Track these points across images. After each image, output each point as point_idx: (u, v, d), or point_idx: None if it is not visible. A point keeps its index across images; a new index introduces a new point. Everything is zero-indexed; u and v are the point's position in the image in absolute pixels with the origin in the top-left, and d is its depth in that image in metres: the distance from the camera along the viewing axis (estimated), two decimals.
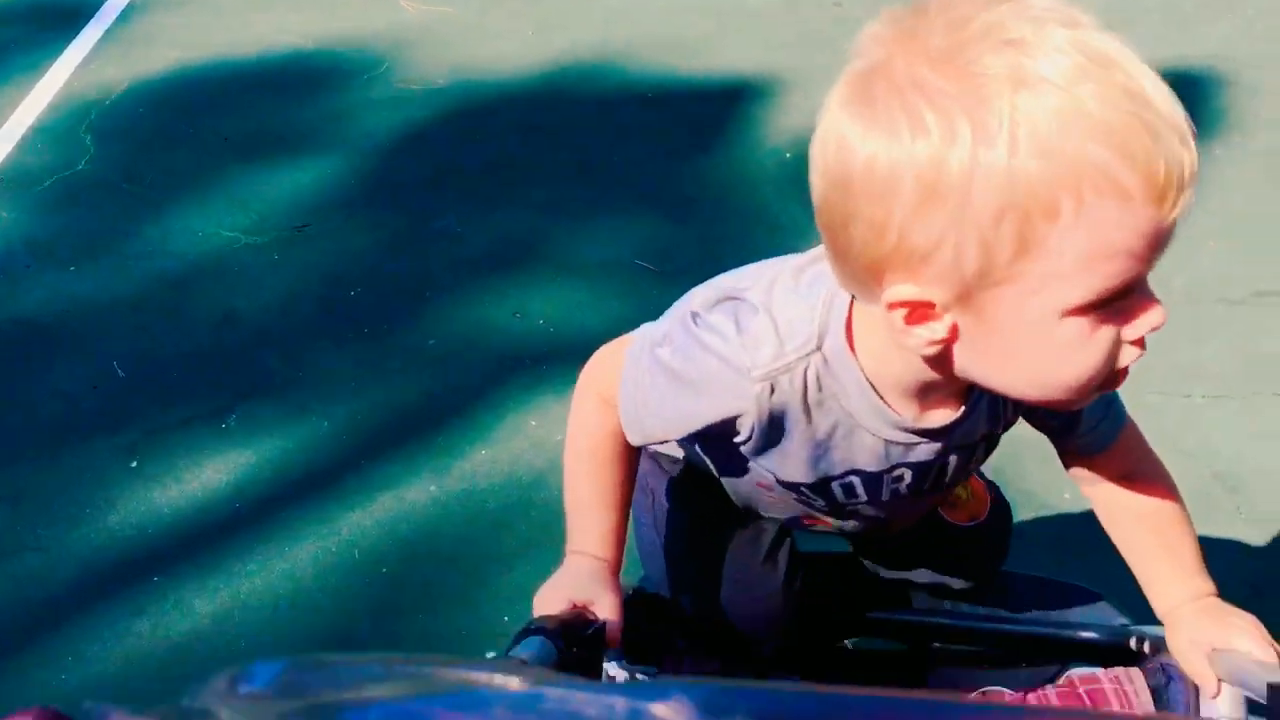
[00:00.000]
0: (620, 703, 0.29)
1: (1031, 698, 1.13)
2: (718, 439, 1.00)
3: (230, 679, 0.28)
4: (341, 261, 2.78)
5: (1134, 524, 1.12)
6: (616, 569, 1.05)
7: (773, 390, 0.92)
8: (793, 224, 2.89)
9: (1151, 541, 1.11)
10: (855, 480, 1.03)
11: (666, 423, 1.00)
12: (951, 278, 0.76)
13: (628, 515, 1.08)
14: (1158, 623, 1.13)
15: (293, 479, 2.20)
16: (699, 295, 1.02)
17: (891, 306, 0.80)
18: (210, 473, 2.22)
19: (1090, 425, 1.06)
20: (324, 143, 3.22)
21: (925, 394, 0.93)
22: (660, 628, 1.20)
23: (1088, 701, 1.11)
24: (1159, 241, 0.75)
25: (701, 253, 2.78)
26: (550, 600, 0.98)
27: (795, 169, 3.11)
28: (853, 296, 0.88)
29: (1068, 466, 1.14)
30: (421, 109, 3.36)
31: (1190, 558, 1.10)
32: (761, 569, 1.21)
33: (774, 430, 0.96)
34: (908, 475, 1.02)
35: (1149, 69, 0.73)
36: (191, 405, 2.37)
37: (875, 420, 0.94)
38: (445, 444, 2.28)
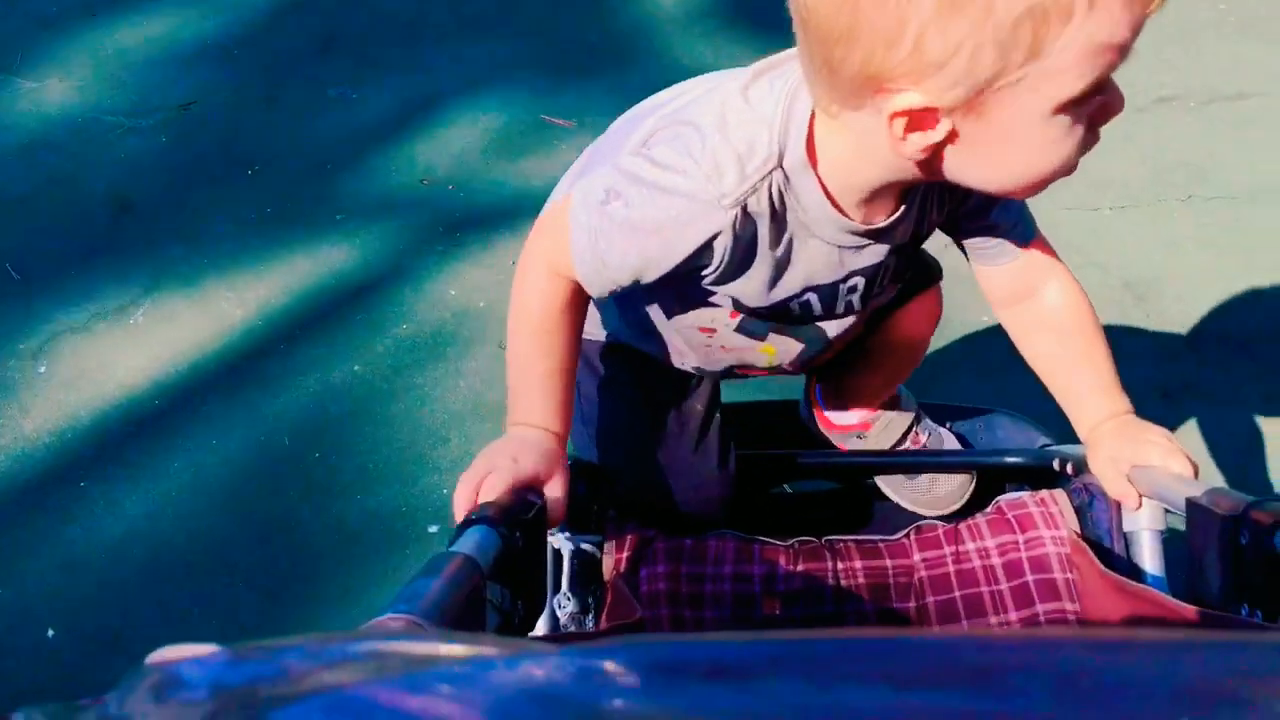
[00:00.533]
0: (571, 664, 0.29)
1: (962, 528, 1.17)
2: (680, 276, 1.00)
3: (155, 685, 0.27)
4: (234, 138, 2.66)
5: (1050, 343, 1.14)
6: (564, 442, 1.05)
7: (744, 212, 0.93)
8: (699, 62, 2.82)
9: (1067, 361, 1.13)
10: (812, 297, 1.06)
11: (636, 270, 0.99)
12: (964, 83, 0.78)
13: (574, 387, 1.08)
14: (1078, 442, 1.17)
15: (211, 370, 2.16)
16: (631, 134, 1.02)
17: (894, 116, 0.82)
18: (124, 371, 2.16)
19: (1005, 229, 1.08)
20: (203, 12, 3.04)
21: (873, 199, 0.96)
22: (599, 498, 1.20)
23: (1016, 526, 1.15)
24: (1138, 33, 0.79)
25: (608, 103, 2.70)
26: (499, 466, 0.95)
27: (697, 5, 3.03)
28: (812, 111, 0.90)
29: (985, 288, 1.16)
30: None
31: (1106, 376, 1.13)
32: (693, 459, 1.23)
33: (743, 253, 0.98)
34: (859, 283, 1.05)
35: None
36: (95, 302, 2.29)
37: (830, 228, 0.97)
38: (365, 320, 2.24)
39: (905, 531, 1.18)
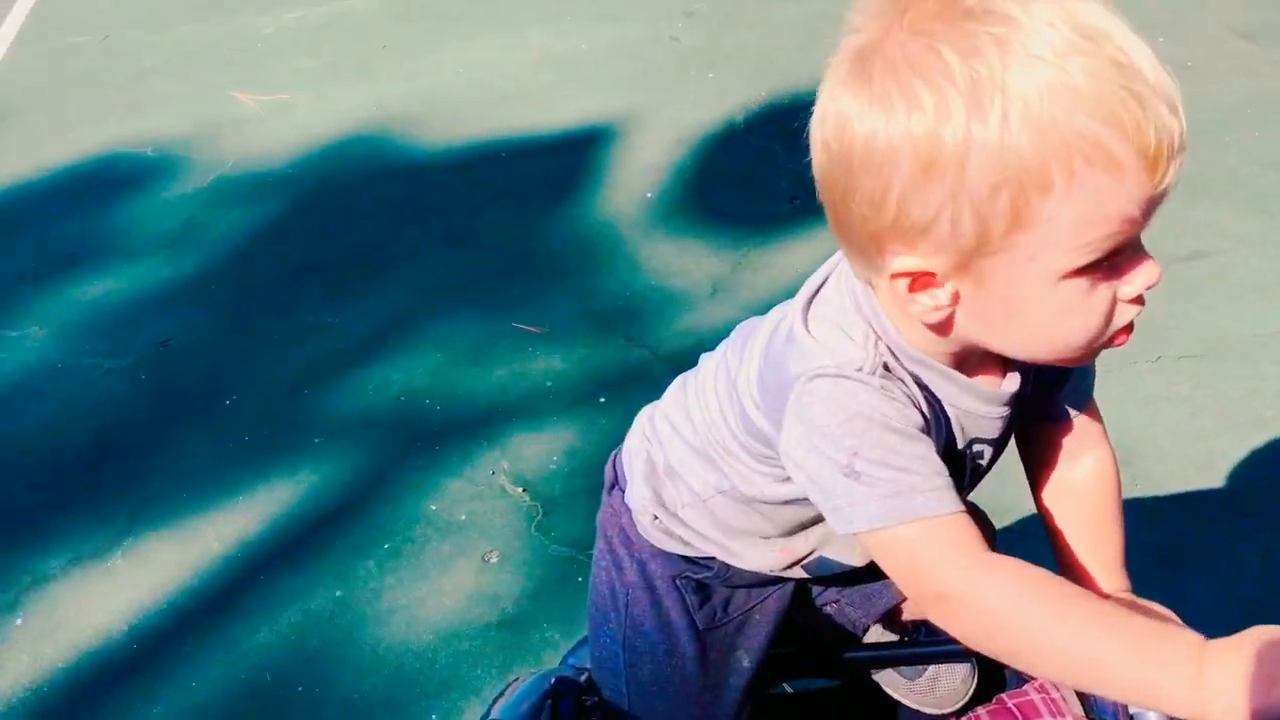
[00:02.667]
0: None
1: None
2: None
3: None
4: (213, 370, 2.69)
5: (1074, 511, 1.11)
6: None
7: (887, 370, 0.90)
8: (662, 263, 2.89)
9: (1085, 530, 1.10)
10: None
11: (928, 461, 0.89)
12: (950, 248, 0.79)
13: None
14: None
15: (189, 608, 2.11)
16: (785, 424, 0.93)
17: (895, 276, 0.83)
18: (103, 616, 2.11)
19: (1076, 381, 1.07)
20: (177, 250, 3.12)
21: (968, 363, 0.94)
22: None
23: (1019, 717, 1.10)
24: (1151, 207, 0.78)
25: (578, 307, 2.76)
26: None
27: (657, 208, 3.12)
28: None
29: (1026, 442, 1.13)
30: (276, 201, 3.29)
31: (1115, 550, 1.11)
32: (723, 715, 1.19)
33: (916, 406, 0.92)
34: (986, 451, 1.02)
35: (1138, 39, 0.76)
36: (74, 548, 2.26)
37: (951, 388, 0.94)
38: (345, 544, 2.21)
39: None
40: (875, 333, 0.91)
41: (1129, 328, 0.85)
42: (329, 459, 2.41)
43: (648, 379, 2.50)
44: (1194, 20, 3.76)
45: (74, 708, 1.95)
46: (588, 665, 1.23)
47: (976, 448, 1.00)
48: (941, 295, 0.84)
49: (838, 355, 0.90)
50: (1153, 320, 2.60)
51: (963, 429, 0.97)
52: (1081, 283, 0.80)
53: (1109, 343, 0.86)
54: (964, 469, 1.00)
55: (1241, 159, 3.11)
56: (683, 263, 2.89)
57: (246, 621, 2.07)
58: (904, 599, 1.25)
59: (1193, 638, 0.82)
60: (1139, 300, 0.83)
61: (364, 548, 2.20)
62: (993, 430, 0.99)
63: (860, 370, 0.89)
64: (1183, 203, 2.92)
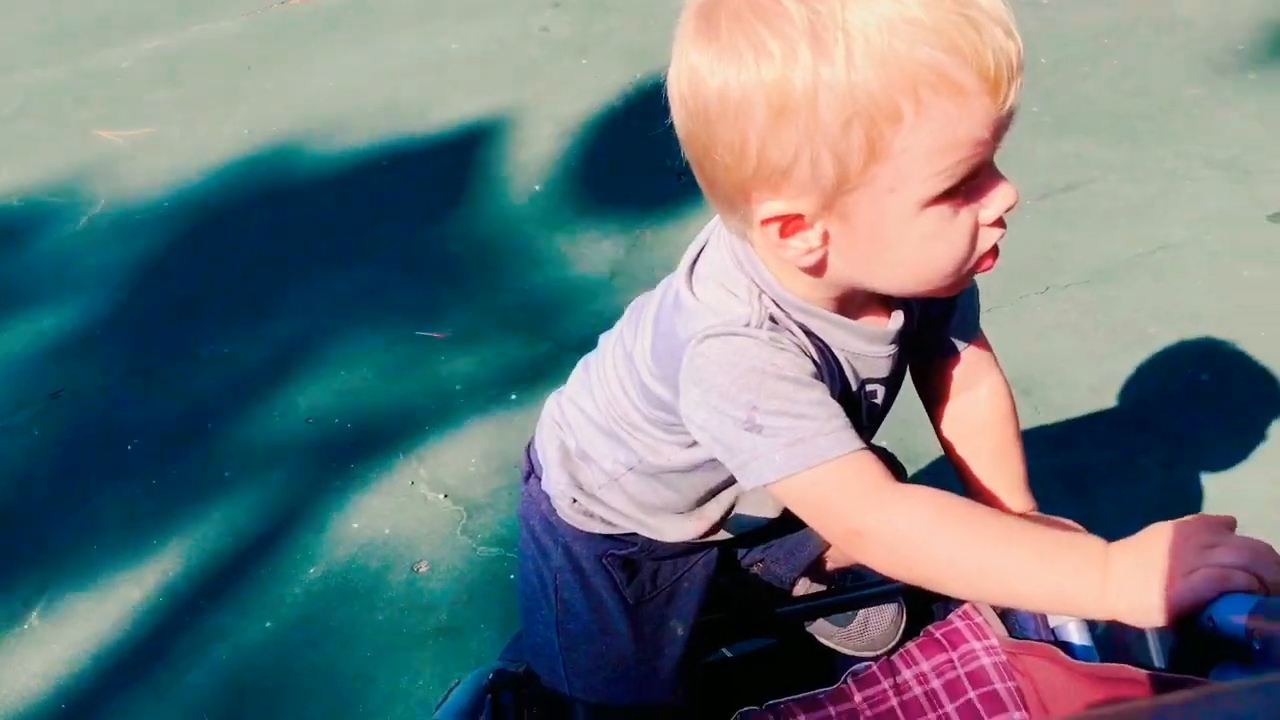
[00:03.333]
0: None
1: (895, 659, 1.15)
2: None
3: None
4: (110, 417, 2.61)
5: (975, 440, 1.16)
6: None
7: (774, 322, 0.92)
8: (558, 253, 2.89)
9: (987, 456, 1.15)
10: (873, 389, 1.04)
11: (825, 405, 0.91)
12: (812, 189, 0.82)
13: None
14: None
15: (116, 660, 2.05)
16: (685, 375, 0.95)
17: (765, 223, 0.85)
18: (25, 679, 2.05)
19: (962, 313, 1.11)
20: (58, 297, 3.02)
21: (846, 306, 0.96)
22: (525, 706, 1.16)
23: (946, 644, 1.13)
24: (999, 128, 0.82)
25: (479, 307, 2.75)
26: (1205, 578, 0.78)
27: (547, 201, 3.12)
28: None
29: (923, 379, 1.17)
30: (154, 236, 3.20)
31: (1017, 472, 1.15)
32: (663, 689, 1.20)
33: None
34: (880, 391, 1.04)
35: None
36: None
37: (838, 332, 0.96)
38: (269, 575, 2.17)
39: (843, 676, 1.16)
40: (758, 286, 0.93)
41: (994, 251, 0.88)
42: (242, 492, 2.37)
43: (556, 371, 2.49)
44: None
45: None
46: (525, 657, 1.24)
47: (870, 388, 1.03)
48: (812, 237, 0.86)
49: (724, 314, 0.92)
50: (1037, 252, 2.68)
51: (854, 371, 0.99)
52: (943, 210, 0.83)
53: (976, 268, 0.89)
54: (860, 410, 1.03)
55: (1102, 89, 3.21)
56: (578, 251, 2.89)
57: (176, 665, 2.02)
58: (827, 548, 1.27)
59: (1096, 543, 0.86)
60: (1000, 223, 0.87)
61: (290, 576, 2.16)
62: (883, 369, 1.01)
63: (748, 325, 0.91)
64: (1052, 136, 3.02)
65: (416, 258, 2.98)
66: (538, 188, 3.16)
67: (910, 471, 1.99)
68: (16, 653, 2.09)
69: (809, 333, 0.94)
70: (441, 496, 2.28)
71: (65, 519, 2.37)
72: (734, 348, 0.91)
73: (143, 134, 3.66)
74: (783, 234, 0.86)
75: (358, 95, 3.68)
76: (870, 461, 0.91)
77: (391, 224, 3.12)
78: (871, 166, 0.80)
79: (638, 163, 3.13)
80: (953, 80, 0.78)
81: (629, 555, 1.19)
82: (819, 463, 0.89)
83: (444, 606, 2.05)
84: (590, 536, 1.19)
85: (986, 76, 0.78)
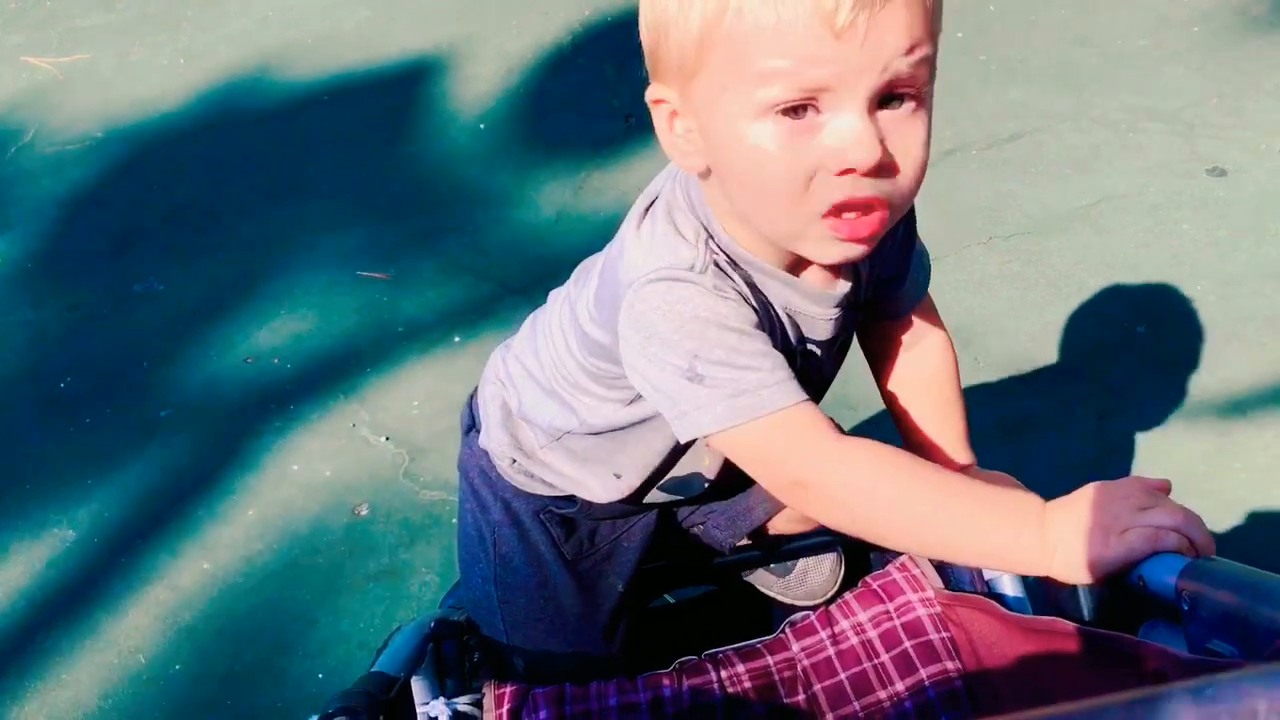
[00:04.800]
0: None
1: (834, 609, 1.16)
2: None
3: None
4: (41, 354, 2.56)
5: (918, 396, 1.17)
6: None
7: (717, 267, 0.92)
8: (503, 194, 2.85)
9: (929, 412, 1.16)
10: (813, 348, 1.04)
11: (769, 355, 0.91)
12: (673, 72, 0.85)
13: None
14: None
15: (50, 600, 2.03)
16: (620, 315, 0.94)
17: (654, 103, 0.89)
18: None
19: (913, 277, 1.10)
20: None
21: (793, 266, 0.96)
22: (468, 652, 1.16)
23: (883, 595, 1.15)
24: (842, 55, 0.78)
25: (422, 248, 2.71)
26: (1133, 537, 0.80)
27: (493, 140, 3.07)
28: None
29: (869, 337, 1.18)
30: (86, 168, 3.11)
31: (958, 429, 1.16)
32: (600, 644, 1.21)
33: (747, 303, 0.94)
34: (819, 352, 1.04)
35: None
36: None
37: (780, 288, 0.97)
38: (207, 515, 2.15)
39: (781, 626, 1.17)
40: (706, 231, 0.92)
41: (841, 211, 0.84)
42: (179, 431, 2.33)
43: (499, 313, 2.48)
44: None
45: None
46: (465, 607, 1.24)
47: (810, 348, 1.03)
48: (681, 127, 0.89)
49: (668, 256, 0.91)
50: (981, 203, 2.70)
51: (795, 328, 0.99)
52: (773, 128, 0.81)
53: (822, 221, 0.85)
54: (797, 369, 1.03)
55: (1050, 37, 3.21)
56: (524, 192, 2.86)
57: (113, 606, 2.00)
58: (769, 518, 1.28)
59: (1033, 501, 0.87)
60: (846, 173, 0.82)
61: (228, 517, 2.14)
62: (825, 331, 1.01)
63: (692, 270, 0.90)
64: (999, 85, 3.03)
65: (357, 195, 2.93)
66: (483, 126, 3.11)
67: (851, 422, 2.02)
68: None
69: (752, 285, 0.94)
70: (383, 439, 2.26)
71: None
72: (677, 294, 0.89)
73: (74, 61, 3.54)
74: (670, 125, 0.89)
75: (298, 26, 3.59)
76: (814, 414, 0.91)
77: (331, 160, 3.06)
78: (704, 51, 0.81)
79: (586, 104, 3.10)
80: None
81: (568, 514, 1.19)
82: (763, 415, 0.89)
83: (385, 550, 2.05)
84: (530, 495, 1.19)
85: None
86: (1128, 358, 2.27)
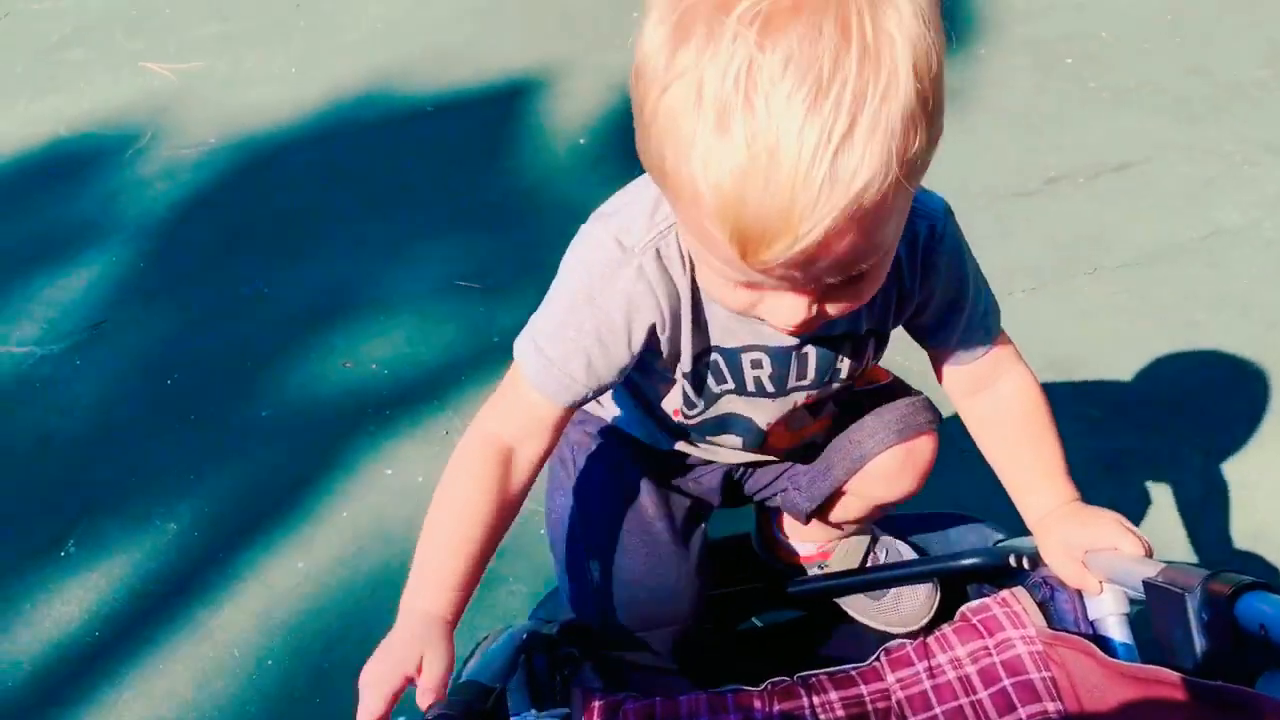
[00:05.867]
0: None
1: (931, 641, 1.15)
2: (645, 349, 1.01)
3: None
4: (150, 351, 2.64)
5: (1003, 435, 1.15)
6: (452, 621, 1.03)
7: (659, 255, 0.95)
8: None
9: (1019, 453, 1.15)
10: (764, 358, 1.05)
11: (593, 355, 1.00)
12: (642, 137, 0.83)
13: (480, 566, 1.05)
14: (1029, 534, 1.16)
15: (150, 591, 2.09)
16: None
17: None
18: (60, 605, 2.08)
19: (969, 333, 1.09)
20: (102, 230, 3.04)
21: None
22: (559, 667, 1.17)
23: (983, 631, 1.13)
24: (767, 272, 0.78)
25: (520, 259, 2.74)
26: (378, 676, 0.96)
27: (591, 154, 3.10)
28: None
29: (942, 380, 1.16)
30: (199, 172, 3.21)
31: (1054, 464, 1.14)
32: (675, 548, 1.21)
33: (673, 302, 0.98)
34: (765, 361, 1.04)
35: (818, 94, 0.69)
36: (23, 539, 2.22)
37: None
38: (302, 515, 2.19)
39: (876, 654, 1.16)
40: (669, 212, 0.94)
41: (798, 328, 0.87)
42: (279, 432, 2.39)
43: None
44: None
45: (39, 698, 1.93)
46: (557, 617, 1.24)
47: (754, 356, 1.02)
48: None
49: (622, 215, 0.96)
50: (1087, 232, 2.64)
51: (730, 331, 1.00)
52: (723, 278, 0.85)
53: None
54: (738, 372, 1.03)
55: (1163, 67, 3.14)
56: None
57: (210, 601, 2.05)
58: (849, 477, 1.24)
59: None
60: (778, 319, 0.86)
61: (323, 517, 2.18)
62: (770, 339, 1.01)
63: (627, 244, 0.95)
64: (1108, 113, 2.97)
65: (456, 206, 2.98)
66: (582, 140, 3.14)
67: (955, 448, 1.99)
68: (53, 578, 2.13)
69: (695, 279, 0.95)
70: None
71: (104, 450, 2.40)
72: (597, 259, 0.97)
73: (190, 68, 3.66)
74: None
75: (406, 40, 3.66)
76: (532, 413, 1.04)
77: (433, 171, 3.11)
78: (666, 187, 0.82)
79: None
80: (706, 230, 0.78)
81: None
82: (522, 371, 1.03)
83: None
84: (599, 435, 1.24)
85: (740, 242, 0.75)
86: (1236, 397, 2.20)
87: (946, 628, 1.16)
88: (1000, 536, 1.33)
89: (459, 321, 2.59)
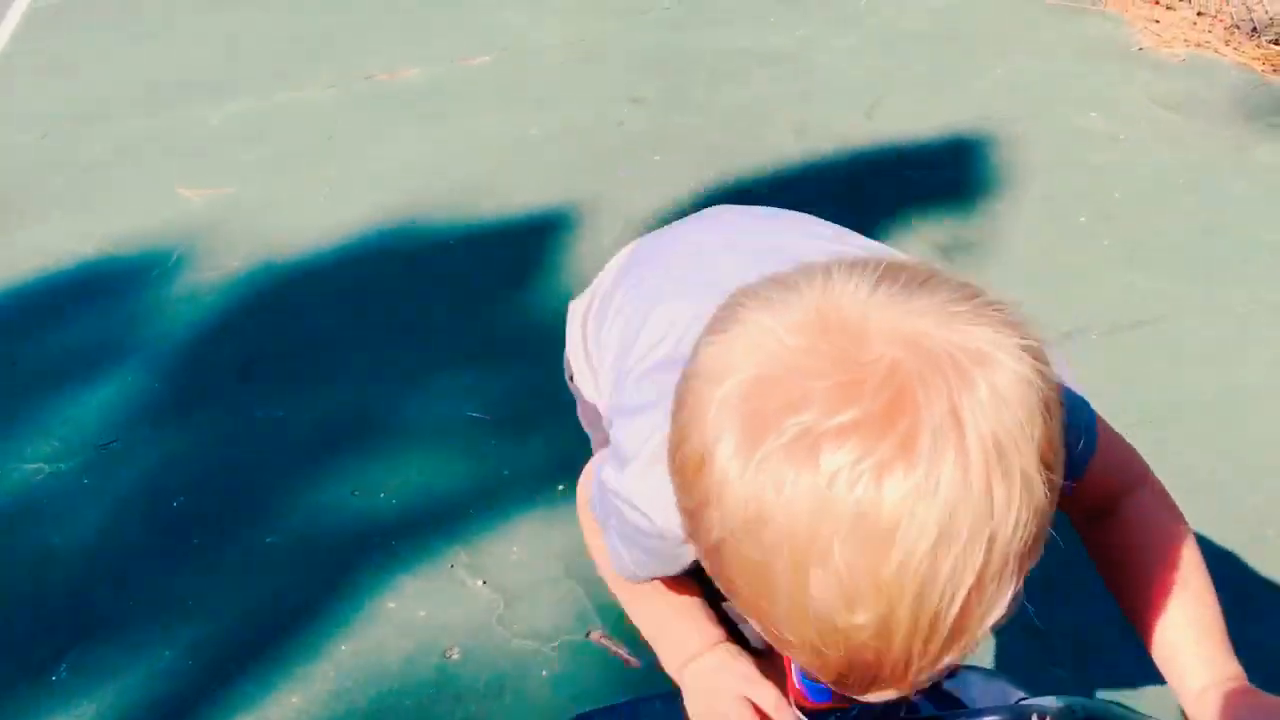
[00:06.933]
0: None
1: None
2: None
3: None
4: (158, 472, 2.63)
5: (1131, 573, 0.98)
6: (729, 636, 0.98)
7: None
8: None
9: (1154, 598, 0.95)
10: None
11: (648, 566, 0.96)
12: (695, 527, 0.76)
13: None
14: (1048, 692, 1.11)
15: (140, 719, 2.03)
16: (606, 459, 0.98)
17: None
18: None
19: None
20: (121, 349, 3.07)
21: None
22: None
23: None
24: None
25: (530, 392, 2.74)
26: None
27: None
28: None
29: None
30: (221, 296, 3.25)
31: (1205, 622, 0.95)
32: None
33: None
34: None
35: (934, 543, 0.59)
36: (16, 659, 2.18)
37: None
38: (301, 647, 2.15)
39: None
40: None
41: None
42: (281, 558, 2.36)
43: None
44: (1121, 94, 3.88)
45: None
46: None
47: None
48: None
49: (655, 514, 0.88)
50: (1101, 389, 2.63)
51: None
52: None
53: None
54: None
55: (1177, 226, 3.19)
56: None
57: None
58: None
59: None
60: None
61: (321, 650, 2.14)
62: None
63: (666, 536, 0.88)
64: (1122, 271, 3.00)
65: (472, 339, 2.99)
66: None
67: None
68: (43, 704, 2.08)
69: None
70: (480, 582, 2.25)
71: (104, 570, 2.37)
72: (637, 527, 0.91)
73: (221, 194, 3.74)
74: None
75: (432, 173, 3.75)
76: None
77: (451, 303, 3.14)
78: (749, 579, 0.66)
79: None
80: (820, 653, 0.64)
81: None
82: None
83: (473, 697, 2.01)
84: None
85: (839, 682, 0.66)
86: (1257, 561, 2.16)
87: None
88: (1021, 695, 1.28)
89: (468, 454, 2.58)
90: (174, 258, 3.42)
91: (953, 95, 3.94)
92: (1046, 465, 0.61)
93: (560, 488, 2.43)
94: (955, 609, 0.59)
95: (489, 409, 2.71)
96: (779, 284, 0.66)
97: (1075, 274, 3.00)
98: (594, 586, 2.14)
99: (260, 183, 3.78)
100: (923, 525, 0.57)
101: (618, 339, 1.13)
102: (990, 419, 0.59)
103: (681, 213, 3.39)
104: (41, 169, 4.00)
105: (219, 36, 4.94)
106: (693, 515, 0.66)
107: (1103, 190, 3.34)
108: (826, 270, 0.65)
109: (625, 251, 1.31)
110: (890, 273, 0.64)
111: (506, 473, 2.50)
